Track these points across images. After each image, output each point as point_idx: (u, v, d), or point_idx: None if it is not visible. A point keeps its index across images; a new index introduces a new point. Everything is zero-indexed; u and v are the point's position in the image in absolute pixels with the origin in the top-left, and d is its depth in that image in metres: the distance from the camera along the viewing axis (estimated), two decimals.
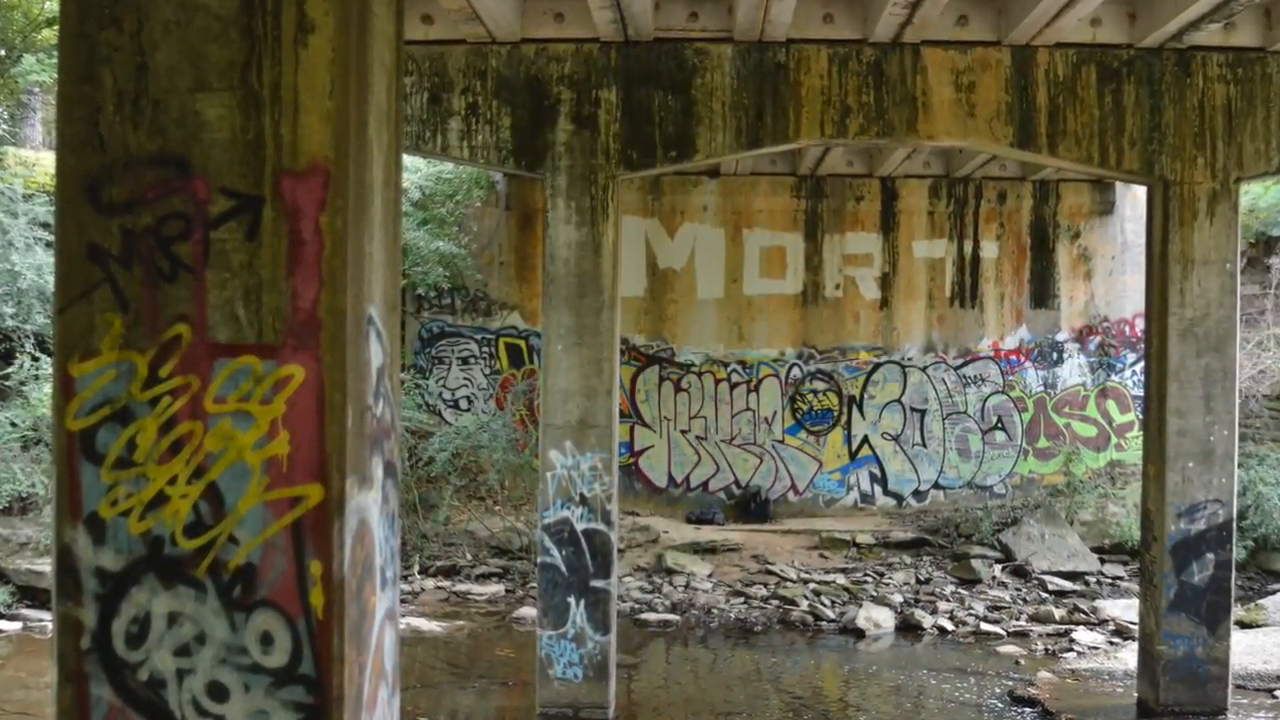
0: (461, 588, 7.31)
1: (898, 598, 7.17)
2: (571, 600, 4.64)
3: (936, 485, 9.28)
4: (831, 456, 9.26)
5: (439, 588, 7.30)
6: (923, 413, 9.29)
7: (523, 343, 9.27)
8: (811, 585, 7.37)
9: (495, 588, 7.35)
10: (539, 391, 5.35)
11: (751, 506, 8.96)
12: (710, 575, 7.63)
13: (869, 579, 7.59)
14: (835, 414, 9.25)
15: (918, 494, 9.27)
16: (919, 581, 7.61)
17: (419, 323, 9.31)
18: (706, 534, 8.41)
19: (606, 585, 4.68)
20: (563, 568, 4.65)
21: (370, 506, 1.63)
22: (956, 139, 4.90)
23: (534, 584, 6.27)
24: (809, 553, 8.14)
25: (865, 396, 9.29)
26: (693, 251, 9.28)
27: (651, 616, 6.81)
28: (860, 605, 6.90)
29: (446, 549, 7.81)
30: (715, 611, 6.92)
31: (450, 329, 9.32)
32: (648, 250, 9.28)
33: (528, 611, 6.64)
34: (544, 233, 4.83)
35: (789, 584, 7.41)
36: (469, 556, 7.77)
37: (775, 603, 7.09)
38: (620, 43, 4.77)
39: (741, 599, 7.18)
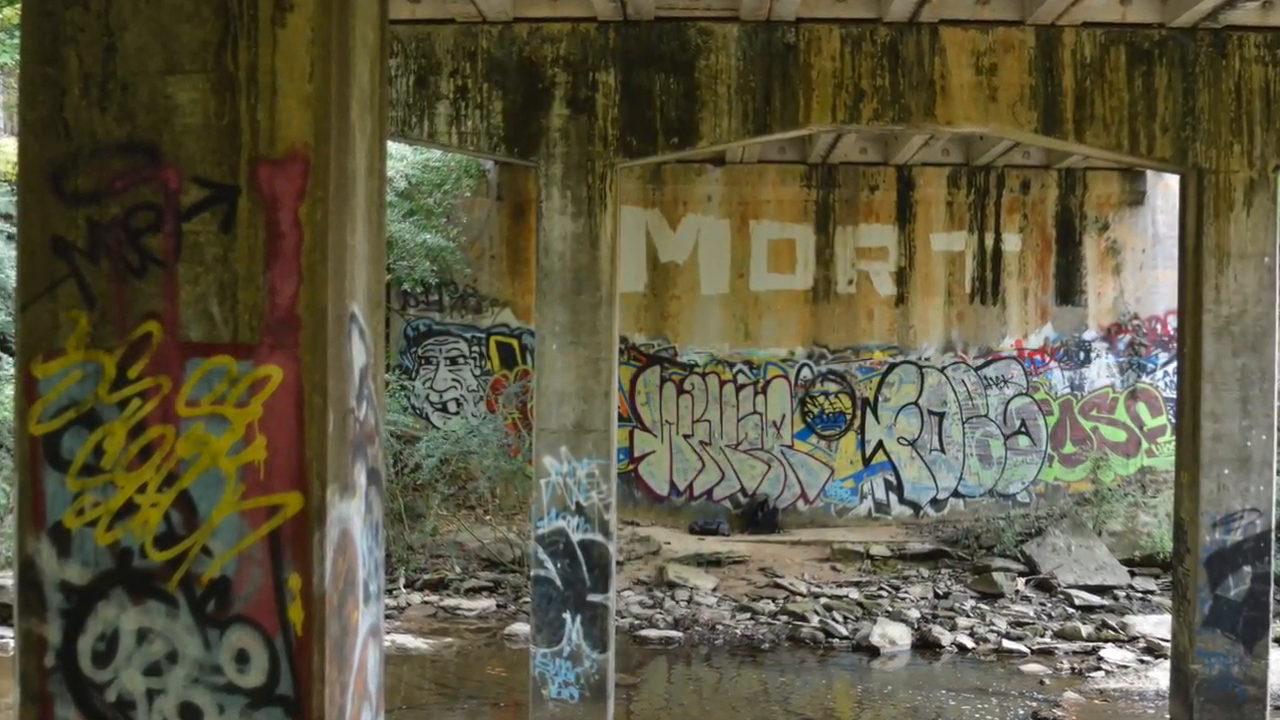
0: (450, 602, 7.31)
1: (914, 613, 7.17)
2: (567, 616, 4.64)
3: (956, 493, 9.26)
4: (844, 463, 9.23)
5: (426, 602, 7.30)
6: (941, 416, 9.27)
7: (515, 341, 9.27)
8: (823, 600, 7.37)
9: (486, 602, 7.35)
10: (532, 393, 5.34)
11: (758, 516, 8.93)
12: (715, 589, 7.62)
13: (884, 593, 7.58)
14: (848, 418, 9.23)
15: (936, 503, 9.25)
16: (937, 596, 7.60)
17: (404, 320, 9.30)
18: (711, 545, 8.39)
19: (604, 600, 4.68)
20: (558, 581, 4.65)
21: (353, 516, 1.62)
22: (977, 124, 4.89)
23: (527, 598, 6.28)
24: (820, 565, 8.14)
25: (880, 399, 9.25)
26: (696, 244, 9.23)
27: (652, 633, 6.80)
28: (875, 621, 6.90)
29: (434, 561, 7.81)
30: (720, 628, 6.92)
31: (438, 327, 9.31)
32: (648, 243, 9.26)
33: (520, 628, 6.65)
34: (538, 224, 4.82)
35: (799, 598, 7.40)
36: (458, 569, 7.77)
37: (784, 618, 7.09)
38: (619, 22, 4.76)
39: (748, 614, 7.17)
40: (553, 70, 4.75)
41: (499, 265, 9.40)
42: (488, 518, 8.33)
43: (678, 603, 7.32)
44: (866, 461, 9.25)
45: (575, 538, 4.63)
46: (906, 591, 7.61)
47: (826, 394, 9.21)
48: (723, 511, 9.15)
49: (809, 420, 9.22)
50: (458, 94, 4.80)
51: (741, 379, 9.23)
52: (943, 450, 9.25)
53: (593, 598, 4.65)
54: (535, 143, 4.75)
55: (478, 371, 9.34)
